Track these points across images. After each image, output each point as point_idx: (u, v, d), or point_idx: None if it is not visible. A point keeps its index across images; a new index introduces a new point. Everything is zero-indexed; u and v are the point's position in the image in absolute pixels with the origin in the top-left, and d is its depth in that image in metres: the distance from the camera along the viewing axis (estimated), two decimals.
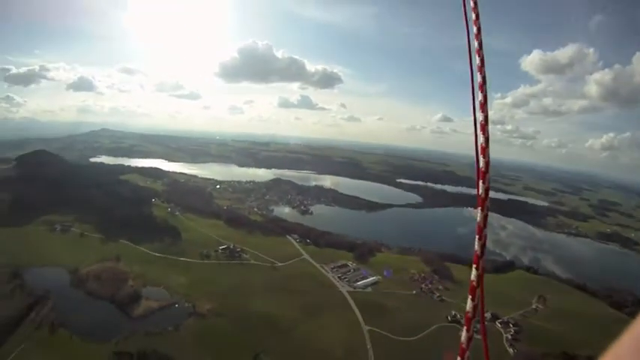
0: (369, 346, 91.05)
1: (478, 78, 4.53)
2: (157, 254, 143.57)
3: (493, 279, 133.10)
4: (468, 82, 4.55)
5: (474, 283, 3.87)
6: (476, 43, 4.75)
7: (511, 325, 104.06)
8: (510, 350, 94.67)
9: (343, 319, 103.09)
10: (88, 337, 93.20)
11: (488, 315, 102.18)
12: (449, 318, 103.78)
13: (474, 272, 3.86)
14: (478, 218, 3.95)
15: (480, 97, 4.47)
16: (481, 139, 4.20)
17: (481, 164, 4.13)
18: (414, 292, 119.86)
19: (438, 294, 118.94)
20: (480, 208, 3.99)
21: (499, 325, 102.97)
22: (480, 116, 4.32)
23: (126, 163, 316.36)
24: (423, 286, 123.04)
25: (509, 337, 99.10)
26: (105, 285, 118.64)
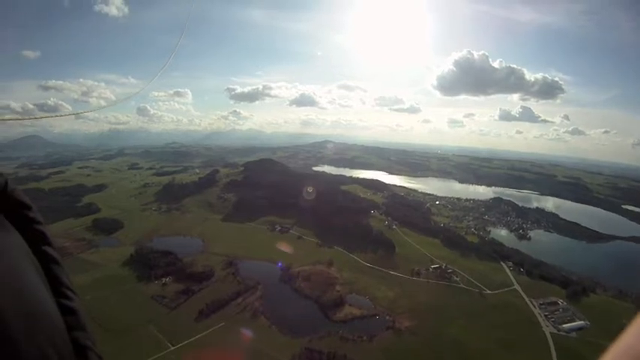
0: None
1: None
2: (368, 265, 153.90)
3: None
4: None
5: None
6: None
7: None
8: None
9: None
10: (285, 330, 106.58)
11: None
12: None
13: None
14: None
15: None
16: None
17: None
18: None
19: None
20: None
21: None
22: None
23: (347, 174, 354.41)
24: None
25: None
26: (313, 286, 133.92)
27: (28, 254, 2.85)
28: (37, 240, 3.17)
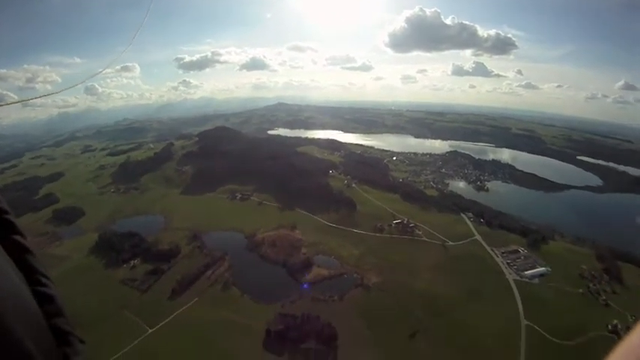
0: (522, 343, 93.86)
1: None
2: (331, 224, 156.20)
3: None
4: None
5: None
6: None
7: None
8: None
9: (504, 308, 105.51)
10: (258, 297, 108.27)
11: None
12: (609, 327, 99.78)
13: None
14: None
15: None
16: None
17: None
18: (580, 290, 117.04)
19: (604, 297, 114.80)
20: None
21: None
22: None
23: (303, 135, 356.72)
24: (590, 285, 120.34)
25: None
26: (279, 251, 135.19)
27: None
28: (6, 230, 3.11)
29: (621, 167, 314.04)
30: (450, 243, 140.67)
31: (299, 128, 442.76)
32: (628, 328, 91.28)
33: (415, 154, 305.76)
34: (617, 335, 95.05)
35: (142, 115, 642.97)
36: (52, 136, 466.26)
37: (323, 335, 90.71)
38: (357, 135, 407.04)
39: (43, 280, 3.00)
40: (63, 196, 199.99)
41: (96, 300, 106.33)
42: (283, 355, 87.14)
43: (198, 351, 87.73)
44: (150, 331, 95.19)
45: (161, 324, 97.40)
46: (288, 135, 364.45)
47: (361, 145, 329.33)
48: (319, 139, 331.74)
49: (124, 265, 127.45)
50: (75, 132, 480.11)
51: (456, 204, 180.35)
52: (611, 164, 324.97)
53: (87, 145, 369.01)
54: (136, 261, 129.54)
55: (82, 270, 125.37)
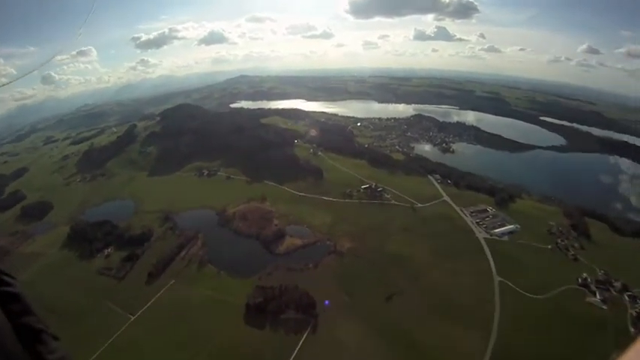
0: (496, 298, 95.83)
1: None
2: (300, 194, 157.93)
3: (633, 244, 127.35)
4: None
5: None
6: None
7: (639, 301, 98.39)
8: (632, 330, 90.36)
9: (477, 267, 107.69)
10: (234, 272, 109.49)
11: (617, 285, 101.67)
12: (579, 280, 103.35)
13: None
14: None
15: None
16: None
17: None
18: (550, 246, 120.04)
19: (572, 252, 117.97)
20: None
21: (627, 299, 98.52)
22: None
23: (266, 107, 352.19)
24: (559, 241, 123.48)
25: (635, 313, 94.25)
26: (251, 224, 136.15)
27: None
28: None
29: (585, 128, 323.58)
30: (419, 205, 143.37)
31: (262, 100, 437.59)
32: (597, 281, 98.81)
33: (380, 119, 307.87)
34: (587, 288, 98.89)
35: (102, 99, 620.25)
36: (12, 131, 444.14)
37: (302, 304, 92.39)
38: (321, 103, 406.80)
39: (7, 279, 2.96)
40: (30, 192, 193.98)
41: (75, 294, 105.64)
42: (264, 329, 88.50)
43: (181, 333, 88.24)
44: (132, 318, 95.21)
45: (142, 309, 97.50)
46: (251, 107, 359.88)
47: (325, 113, 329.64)
48: (283, 109, 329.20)
49: (98, 255, 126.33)
50: (35, 124, 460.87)
51: (422, 166, 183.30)
52: (575, 125, 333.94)
53: (49, 137, 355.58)
54: (109, 249, 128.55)
55: (57, 265, 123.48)
